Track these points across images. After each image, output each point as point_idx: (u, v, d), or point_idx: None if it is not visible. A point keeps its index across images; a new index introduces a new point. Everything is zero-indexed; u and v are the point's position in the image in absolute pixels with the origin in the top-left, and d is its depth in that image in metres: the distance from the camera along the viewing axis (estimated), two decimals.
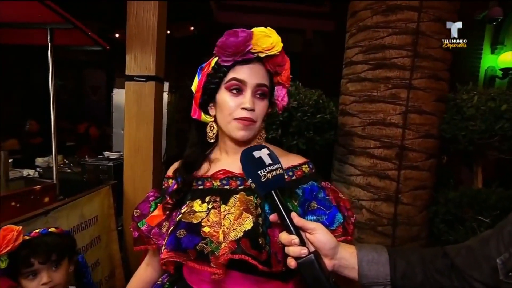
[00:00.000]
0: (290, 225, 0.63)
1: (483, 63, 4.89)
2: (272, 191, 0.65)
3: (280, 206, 0.64)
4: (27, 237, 1.05)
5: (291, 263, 0.61)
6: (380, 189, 2.27)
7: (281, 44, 0.77)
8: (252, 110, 0.76)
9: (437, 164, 2.42)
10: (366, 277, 0.63)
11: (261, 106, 0.79)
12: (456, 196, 2.28)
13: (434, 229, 2.40)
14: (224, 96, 0.78)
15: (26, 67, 6.20)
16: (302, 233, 0.64)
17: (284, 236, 0.63)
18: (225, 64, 0.77)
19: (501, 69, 4.72)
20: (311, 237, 0.63)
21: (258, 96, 0.78)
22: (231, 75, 0.77)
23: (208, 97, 0.82)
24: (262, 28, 0.77)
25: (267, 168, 0.66)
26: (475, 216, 2.20)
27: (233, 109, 0.76)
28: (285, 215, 0.64)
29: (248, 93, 0.76)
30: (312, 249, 0.63)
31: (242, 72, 0.76)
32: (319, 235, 0.63)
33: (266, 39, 0.75)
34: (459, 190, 2.33)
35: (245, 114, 0.75)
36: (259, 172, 0.65)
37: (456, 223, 2.29)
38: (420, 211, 2.31)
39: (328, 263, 0.63)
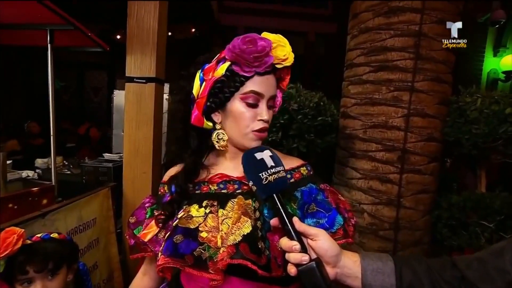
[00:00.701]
0: (292, 230, 0.61)
1: (486, 65, 4.87)
2: (274, 195, 0.63)
3: (281, 210, 0.62)
4: (28, 241, 1.03)
5: (292, 270, 0.59)
6: (381, 192, 2.24)
7: (293, 54, 0.75)
8: (268, 121, 0.75)
9: (440, 168, 2.39)
10: (370, 287, 0.61)
11: (271, 114, 0.78)
12: (460, 201, 2.25)
13: (437, 234, 2.37)
14: (239, 107, 0.74)
15: (29, 68, 6.22)
16: (304, 239, 0.62)
17: (284, 242, 0.61)
18: (246, 74, 0.72)
19: (504, 72, 4.70)
20: (313, 243, 0.61)
21: (269, 106, 0.77)
22: (249, 86, 0.73)
23: (216, 105, 0.77)
24: (273, 36, 0.74)
25: (269, 171, 0.64)
26: (478, 221, 2.18)
27: (251, 121, 0.74)
28: (286, 220, 0.61)
29: (264, 105, 0.75)
30: (313, 256, 0.60)
31: (260, 85, 0.73)
32: (321, 241, 0.61)
33: (282, 49, 0.73)
34: (462, 194, 2.30)
35: (262, 125, 0.74)
36: (260, 174, 0.63)
37: (459, 228, 2.27)
38: (423, 216, 2.28)
39: (330, 271, 0.61)
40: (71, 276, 1.13)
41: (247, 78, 0.73)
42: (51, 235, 1.09)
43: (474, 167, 2.51)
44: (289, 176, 0.79)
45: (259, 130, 0.74)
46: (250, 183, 0.64)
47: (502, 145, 2.15)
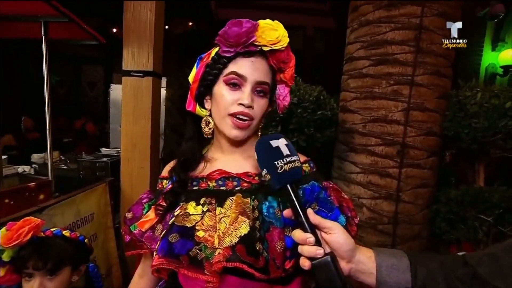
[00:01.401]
0: (306, 223, 0.59)
1: (484, 60, 4.86)
2: (288, 185, 0.61)
3: (295, 202, 0.60)
4: (42, 234, 1.03)
5: (305, 263, 0.57)
6: (381, 187, 2.24)
7: (287, 39, 0.72)
8: (250, 107, 0.71)
9: (439, 162, 2.39)
10: (385, 283, 0.59)
11: (261, 104, 0.74)
12: (458, 195, 2.25)
13: (435, 228, 2.38)
14: (221, 90, 0.73)
15: (25, 63, 6.14)
16: (318, 232, 0.60)
17: (298, 234, 0.59)
18: (226, 55, 0.72)
19: (502, 67, 4.70)
20: (328, 237, 0.59)
21: (258, 93, 0.74)
22: (231, 68, 0.72)
23: (205, 89, 0.77)
24: (268, 21, 0.72)
25: (284, 159, 0.61)
26: (477, 215, 2.18)
27: (230, 104, 0.72)
28: (300, 211, 0.59)
29: (247, 89, 0.72)
30: (327, 250, 0.58)
31: (243, 66, 0.72)
32: (336, 235, 0.59)
33: (272, 32, 0.71)
34: (461, 188, 2.30)
35: (242, 109, 0.71)
36: (276, 162, 0.61)
37: (457, 222, 2.27)
38: (421, 210, 2.28)
39: (344, 266, 0.59)
40: (76, 277, 1.11)
41: (229, 60, 0.72)
42: (63, 232, 1.08)
43: (473, 161, 2.51)
44: None
45: (234, 114, 0.71)
46: (264, 172, 0.62)
47: (501, 139, 2.14)
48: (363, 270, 0.60)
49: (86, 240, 1.15)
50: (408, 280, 0.58)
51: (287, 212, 0.63)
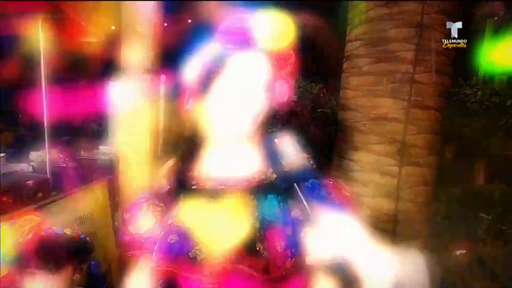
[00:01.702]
0: (314, 222, 0.59)
1: (484, 58, 4.86)
2: (295, 184, 0.60)
3: (303, 201, 0.60)
4: (43, 232, 1.02)
5: (315, 264, 0.58)
6: (380, 185, 2.23)
7: (289, 35, 0.71)
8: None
9: (440, 160, 2.38)
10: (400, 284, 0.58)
11: (262, 101, 0.73)
12: (458, 193, 2.25)
13: (435, 226, 2.38)
14: (222, 87, 0.72)
15: (24, 59, 6.10)
16: (327, 232, 0.59)
17: (307, 234, 0.59)
18: (227, 51, 0.70)
19: (501, 65, 4.70)
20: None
21: (259, 90, 0.72)
22: (232, 65, 0.71)
23: (204, 87, 0.75)
24: (270, 16, 0.71)
25: (290, 158, 0.61)
26: (477, 213, 2.18)
27: (232, 102, 0.71)
28: (309, 211, 0.59)
29: (249, 86, 0.70)
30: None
31: (244, 63, 0.70)
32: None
33: (274, 28, 0.70)
34: (461, 187, 2.30)
35: (244, 107, 0.70)
36: (281, 161, 0.61)
37: (457, 221, 2.27)
38: (421, 208, 2.28)
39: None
40: (78, 275, 1.10)
41: (230, 56, 0.71)
42: (65, 231, 1.07)
43: (473, 159, 2.51)
44: None
45: (237, 112, 0.70)
46: (270, 171, 0.62)
47: (501, 137, 2.14)
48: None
49: (87, 239, 1.15)
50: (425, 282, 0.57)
51: (295, 212, 0.63)
